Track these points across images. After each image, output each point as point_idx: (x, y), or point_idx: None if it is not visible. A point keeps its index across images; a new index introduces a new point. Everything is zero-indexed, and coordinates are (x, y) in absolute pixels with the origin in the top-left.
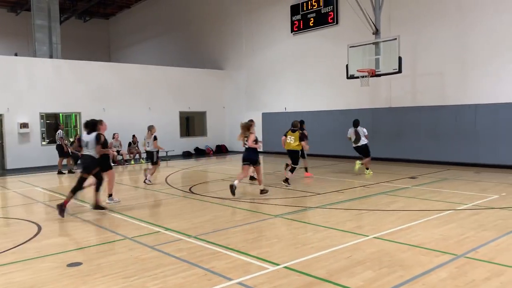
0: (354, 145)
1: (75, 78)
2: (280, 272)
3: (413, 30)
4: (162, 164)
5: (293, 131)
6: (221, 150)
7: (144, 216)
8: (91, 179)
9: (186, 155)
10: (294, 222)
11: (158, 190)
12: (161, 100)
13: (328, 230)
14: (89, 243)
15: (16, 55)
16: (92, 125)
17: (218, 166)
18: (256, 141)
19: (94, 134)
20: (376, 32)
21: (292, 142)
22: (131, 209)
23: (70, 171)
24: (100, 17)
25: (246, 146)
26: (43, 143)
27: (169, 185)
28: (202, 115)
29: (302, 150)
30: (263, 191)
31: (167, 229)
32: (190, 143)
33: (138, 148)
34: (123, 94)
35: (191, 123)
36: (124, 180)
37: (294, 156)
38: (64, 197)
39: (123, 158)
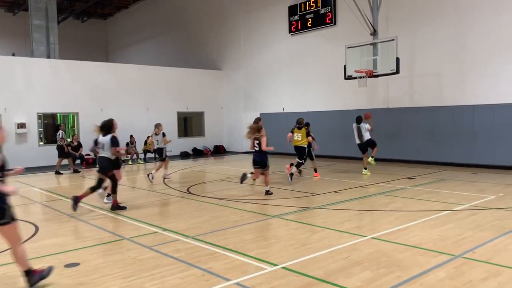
0: (358, 142)
1: (73, 78)
2: (278, 273)
3: (411, 31)
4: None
5: (299, 128)
6: (219, 151)
7: (142, 217)
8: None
9: (184, 155)
10: (292, 223)
11: (156, 191)
12: (159, 101)
13: (326, 230)
14: (87, 243)
15: (13, 55)
16: (108, 128)
17: (216, 167)
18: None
19: (109, 136)
20: (374, 32)
21: (299, 139)
22: (129, 209)
23: (75, 171)
24: (98, 17)
25: (257, 149)
26: (41, 143)
27: (167, 185)
28: (200, 115)
29: (310, 152)
30: (268, 192)
31: (165, 229)
32: (188, 143)
33: (135, 148)
34: (121, 94)
35: (189, 124)
36: (122, 181)
37: (301, 152)
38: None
39: (120, 158)
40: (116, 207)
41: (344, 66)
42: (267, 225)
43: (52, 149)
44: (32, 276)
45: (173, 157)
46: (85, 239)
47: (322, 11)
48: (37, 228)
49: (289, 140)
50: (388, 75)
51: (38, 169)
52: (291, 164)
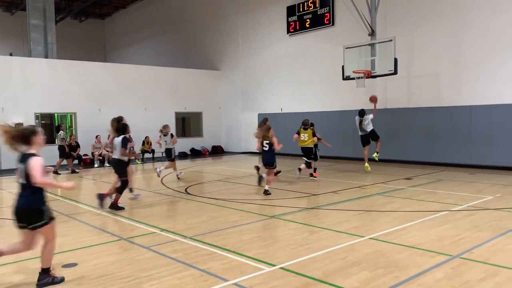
0: (361, 134)
1: (71, 78)
2: (276, 273)
3: (409, 30)
4: (159, 164)
5: (305, 128)
6: (217, 151)
7: (140, 217)
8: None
9: (182, 155)
10: (291, 223)
11: (154, 191)
12: (157, 101)
13: (324, 231)
14: (85, 244)
15: (11, 55)
16: (123, 130)
17: (214, 167)
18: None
19: (121, 137)
20: (372, 33)
21: (306, 139)
22: (127, 210)
23: (73, 171)
24: (96, 17)
25: (265, 149)
26: None
27: (165, 185)
28: (198, 115)
29: (316, 152)
30: (266, 192)
31: (163, 230)
32: (186, 143)
33: (133, 148)
34: (119, 94)
35: (187, 124)
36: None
37: (309, 152)
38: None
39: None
40: (116, 206)
41: (342, 67)
42: (265, 226)
43: (50, 149)
44: (47, 276)
45: None
46: (83, 239)
47: (320, 11)
48: None
49: (295, 140)
50: (386, 75)
51: None
52: (299, 169)
